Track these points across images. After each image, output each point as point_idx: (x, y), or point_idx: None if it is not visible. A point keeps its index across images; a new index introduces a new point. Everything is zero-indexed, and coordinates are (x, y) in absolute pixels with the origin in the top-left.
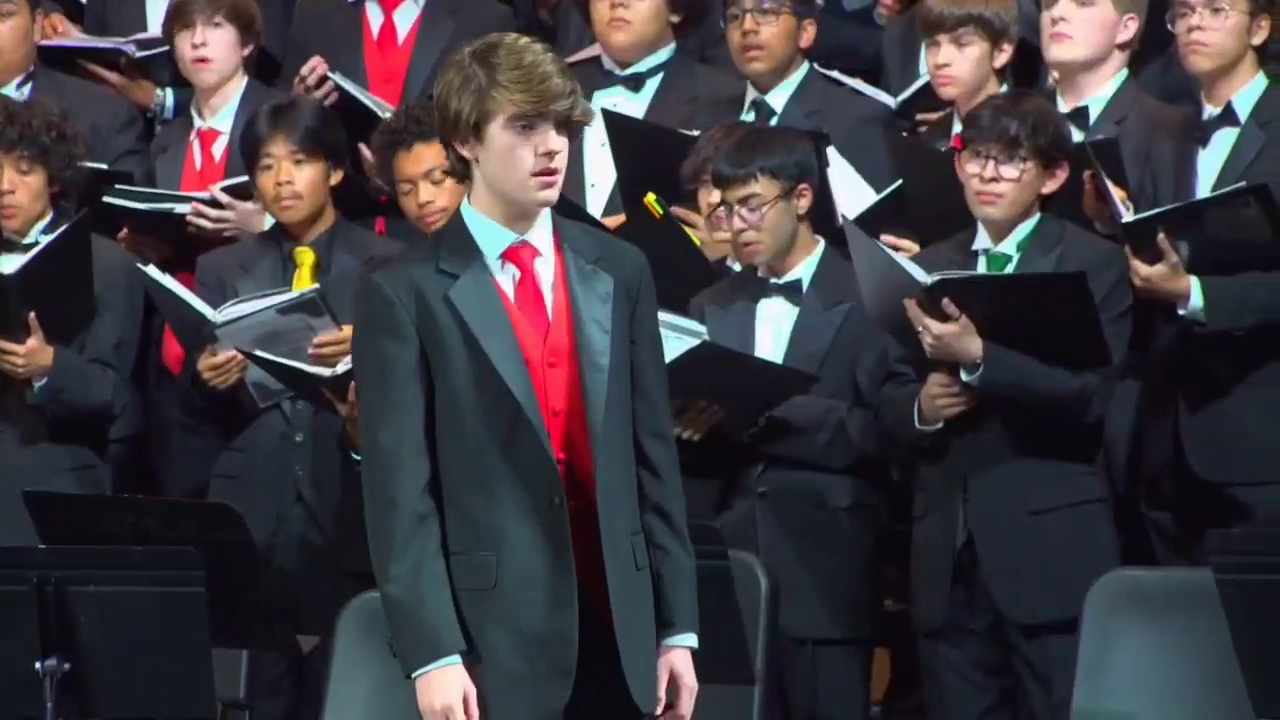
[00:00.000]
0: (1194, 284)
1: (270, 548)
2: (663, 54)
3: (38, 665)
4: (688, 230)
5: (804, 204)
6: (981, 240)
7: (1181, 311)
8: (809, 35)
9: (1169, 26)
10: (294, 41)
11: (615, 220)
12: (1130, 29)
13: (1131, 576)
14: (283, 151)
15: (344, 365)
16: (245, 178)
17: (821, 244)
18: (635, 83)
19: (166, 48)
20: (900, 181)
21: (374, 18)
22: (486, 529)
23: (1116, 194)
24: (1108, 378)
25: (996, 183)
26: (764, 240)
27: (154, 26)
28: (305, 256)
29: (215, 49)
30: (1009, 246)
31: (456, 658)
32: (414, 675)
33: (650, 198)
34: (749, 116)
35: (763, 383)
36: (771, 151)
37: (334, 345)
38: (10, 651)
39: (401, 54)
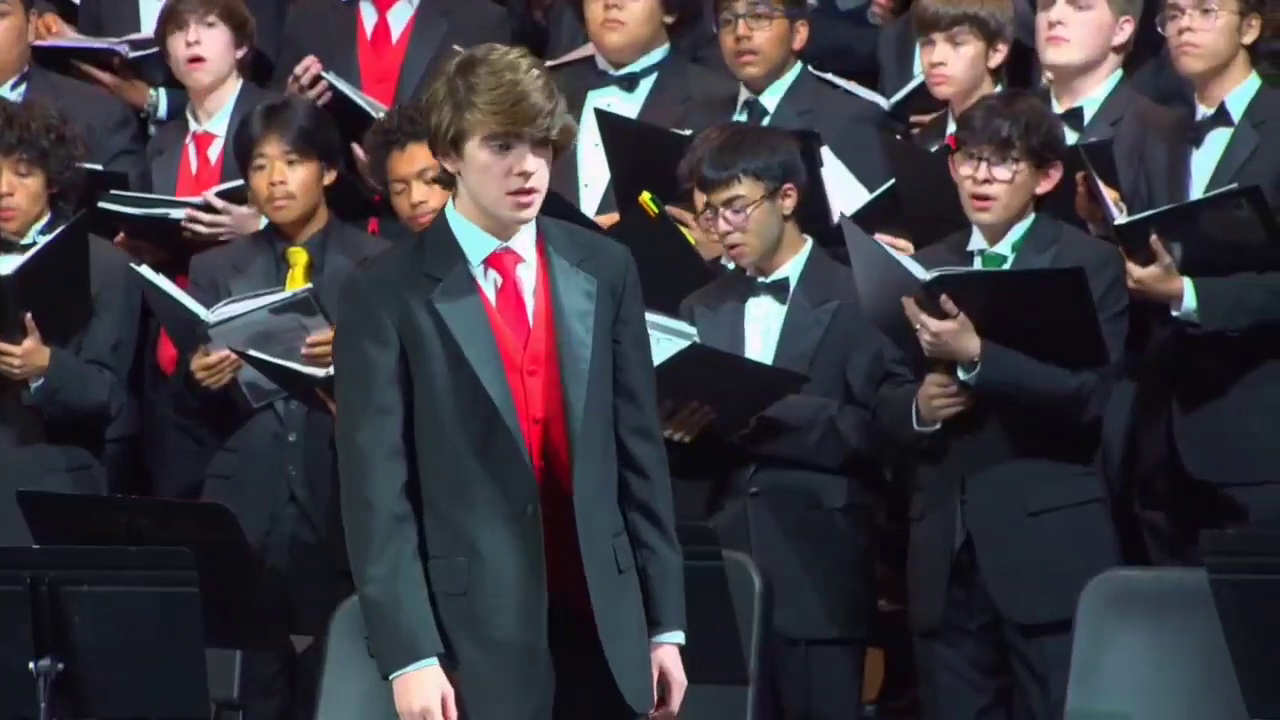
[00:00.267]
0: (1187, 285)
1: (264, 548)
2: (657, 54)
3: (31, 665)
4: (683, 229)
5: (789, 204)
6: (977, 241)
7: (1175, 313)
8: (802, 37)
9: (1159, 29)
10: (288, 41)
11: (609, 219)
12: (1126, 31)
13: (1125, 576)
14: (276, 151)
15: None
16: (240, 182)
17: (809, 243)
18: (629, 83)
19: (159, 48)
20: (893, 181)
21: (368, 17)
22: (461, 534)
23: (1109, 195)
24: (1105, 377)
25: (990, 184)
26: (749, 241)
27: (147, 27)
28: (298, 257)
29: (209, 48)
30: (1004, 247)
31: (434, 659)
32: (391, 677)
33: (645, 196)
34: (742, 117)
35: (753, 384)
36: (754, 153)
37: (327, 345)
38: (4, 652)
39: (395, 54)
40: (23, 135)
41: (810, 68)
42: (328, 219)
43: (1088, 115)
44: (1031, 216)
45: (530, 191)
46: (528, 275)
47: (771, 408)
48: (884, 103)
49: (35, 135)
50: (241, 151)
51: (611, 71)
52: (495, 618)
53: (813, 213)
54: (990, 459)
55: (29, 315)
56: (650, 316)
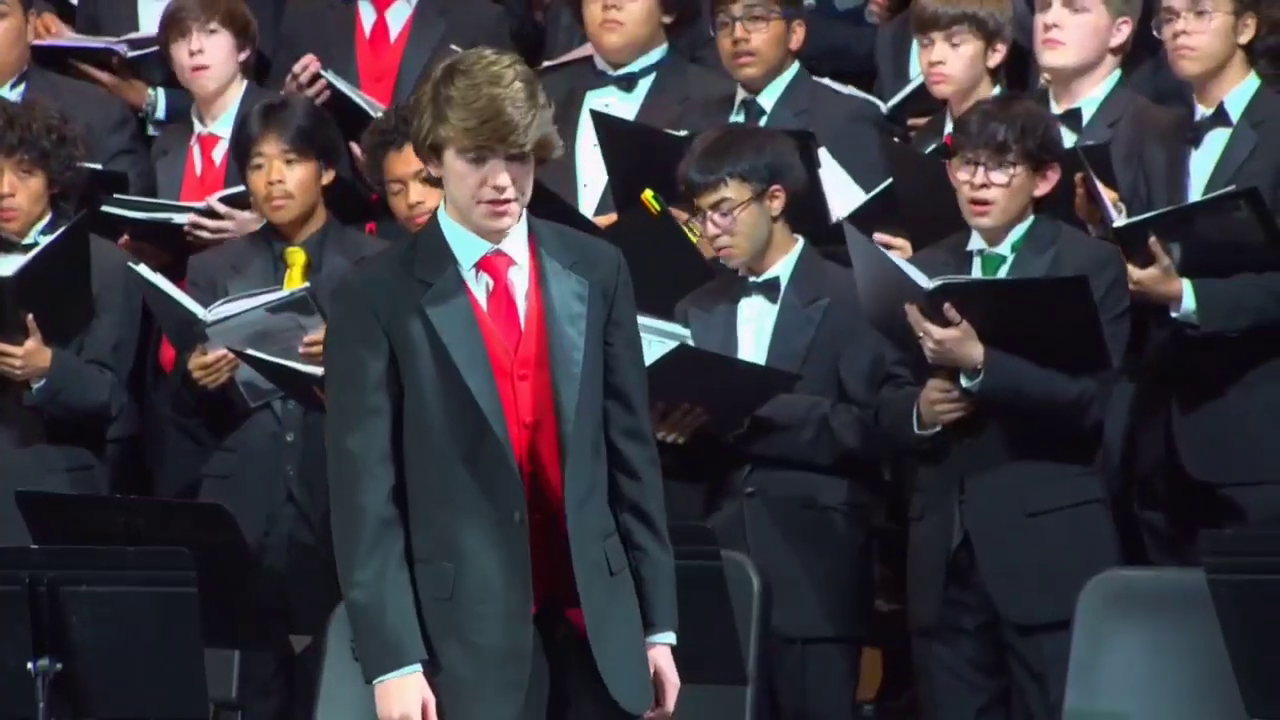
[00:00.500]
0: (1186, 286)
1: (261, 547)
2: (655, 54)
3: (30, 665)
4: (685, 228)
5: (777, 205)
6: (976, 241)
7: (1174, 314)
8: (798, 37)
9: (1155, 33)
10: (285, 40)
11: (607, 220)
12: (1123, 32)
13: (1124, 576)
14: (274, 151)
15: None
16: (243, 188)
17: (800, 242)
18: (628, 83)
19: (158, 48)
20: (890, 180)
21: (366, 16)
22: (447, 539)
23: (1108, 197)
24: (1106, 382)
25: (987, 189)
26: (738, 243)
27: (145, 26)
28: (296, 256)
29: (212, 56)
30: (1004, 248)
31: (417, 666)
32: (374, 682)
33: (648, 194)
34: (739, 117)
35: (744, 384)
36: (740, 156)
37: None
38: (3, 652)
39: (393, 53)
40: (24, 135)
41: (807, 69)
42: (326, 219)
43: (1086, 116)
44: (1030, 218)
45: (505, 203)
46: (519, 278)
47: (764, 407)
48: (880, 105)
49: (37, 135)
50: (240, 151)
51: (610, 72)
52: (479, 623)
53: (810, 213)
54: (989, 459)
55: (30, 316)
56: (641, 320)
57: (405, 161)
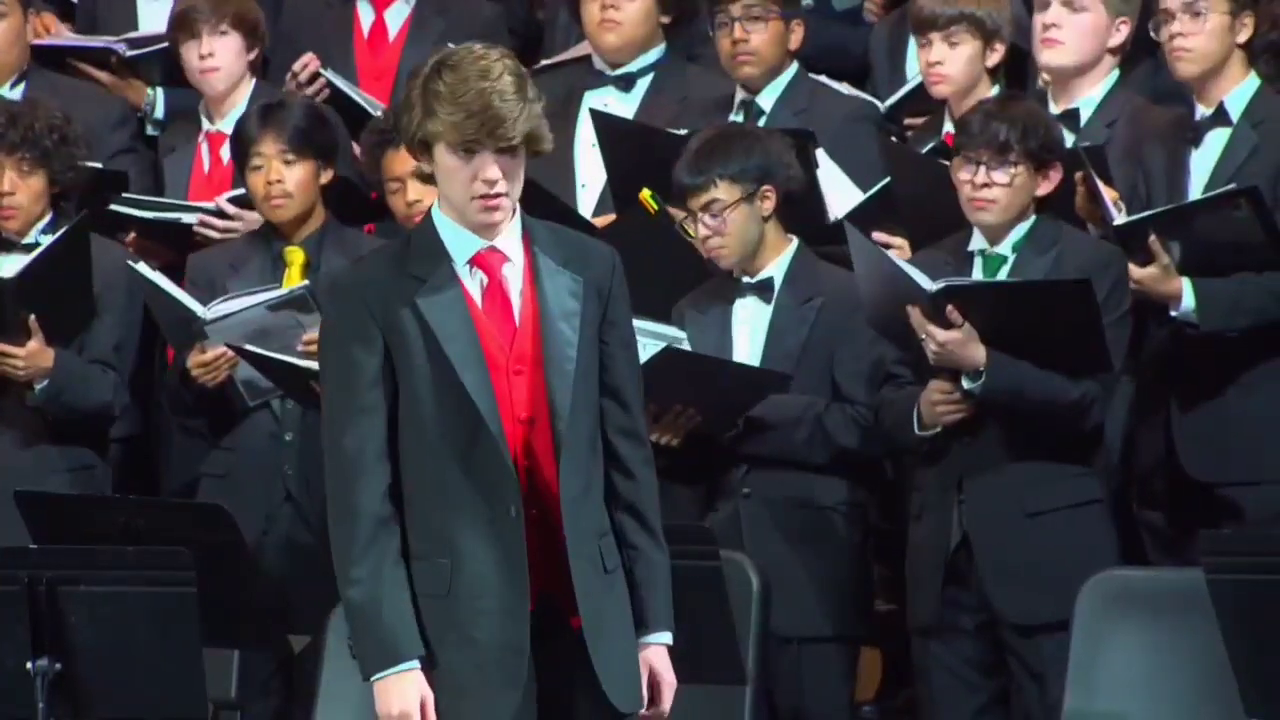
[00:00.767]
0: (1186, 285)
1: (260, 547)
2: (653, 54)
3: (29, 665)
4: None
5: (768, 206)
6: (977, 242)
7: (1174, 313)
8: (797, 37)
9: (1152, 34)
10: (284, 39)
11: (605, 220)
12: (1122, 33)
13: (1123, 576)
14: (272, 151)
15: None
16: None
17: (794, 243)
18: (626, 83)
19: (157, 47)
20: (888, 179)
21: (365, 15)
22: (443, 536)
23: (1108, 196)
24: (1107, 384)
25: (988, 188)
26: (728, 244)
27: (145, 26)
28: (295, 256)
29: (222, 57)
30: (1005, 248)
31: (415, 663)
32: (372, 679)
33: (646, 193)
34: (738, 117)
35: (736, 385)
36: (729, 157)
37: None
38: (2, 652)
39: (392, 51)
40: (26, 134)
41: (805, 68)
42: (325, 218)
43: (1084, 117)
44: (1032, 218)
45: (495, 197)
46: (513, 275)
47: (759, 407)
48: (878, 104)
49: (39, 134)
50: (238, 151)
51: (608, 71)
52: (477, 619)
53: (808, 213)
54: (989, 459)
55: (32, 317)
56: (637, 323)
57: (403, 160)
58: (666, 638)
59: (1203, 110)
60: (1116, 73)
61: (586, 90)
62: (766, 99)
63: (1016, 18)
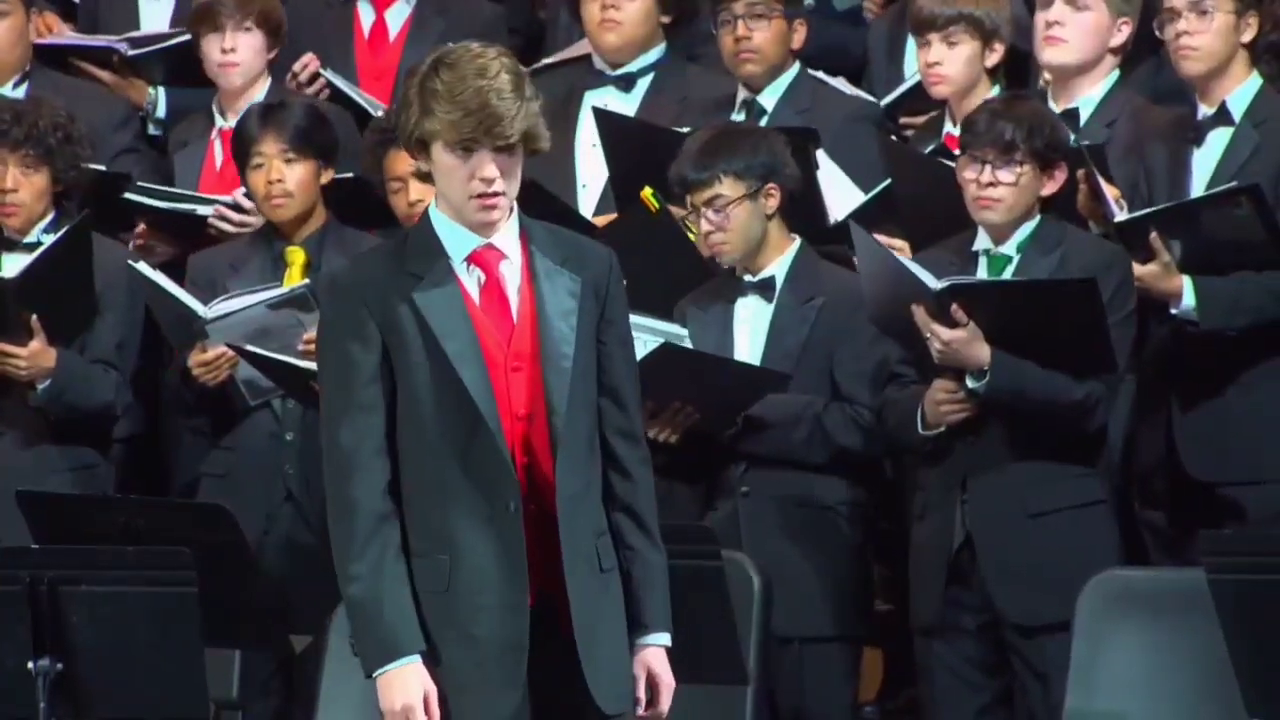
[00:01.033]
0: (1186, 283)
1: (260, 547)
2: (653, 54)
3: (30, 665)
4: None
5: (772, 204)
6: (982, 241)
7: (1174, 311)
8: (800, 36)
9: (1157, 33)
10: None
11: (606, 220)
12: (1124, 33)
13: (1124, 576)
14: (273, 150)
15: None
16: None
17: (797, 242)
18: (626, 83)
19: (159, 46)
20: (889, 181)
21: (365, 16)
22: (442, 532)
23: (1110, 193)
24: (1111, 385)
25: (994, 187)
26: (731, 240)
27: (146, 25)
28: (296, 256)
29: (243, 53)
30: (1009, 248)
31: (416, 657)
32: (374, 675)
33: (647, 191)
34: (740, 116)
35: (735, 383)
36: (735, 153)
37: None
38: (3, 652)
39: (393, 52)
40: (30, 132)
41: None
42: (326, 218)
43: (1084, 116)
44: (1037, 218)
45: (493, 196)
46: (511, 272)
47: (758, 406)
48: (878, 103)
49: (43, 132)
50: (239, 150)
51: (608, 71)
52: (477, 615)
53: (808, 213)
54: (992, 459)
55: (34, 317)
56: (640, 319)
57: (405, 160)
58: (665, 639)
59: (1205, 110)
60: (1117, 73)
61: (587, 90)
62: (769, 98)
63: (1016, 18)
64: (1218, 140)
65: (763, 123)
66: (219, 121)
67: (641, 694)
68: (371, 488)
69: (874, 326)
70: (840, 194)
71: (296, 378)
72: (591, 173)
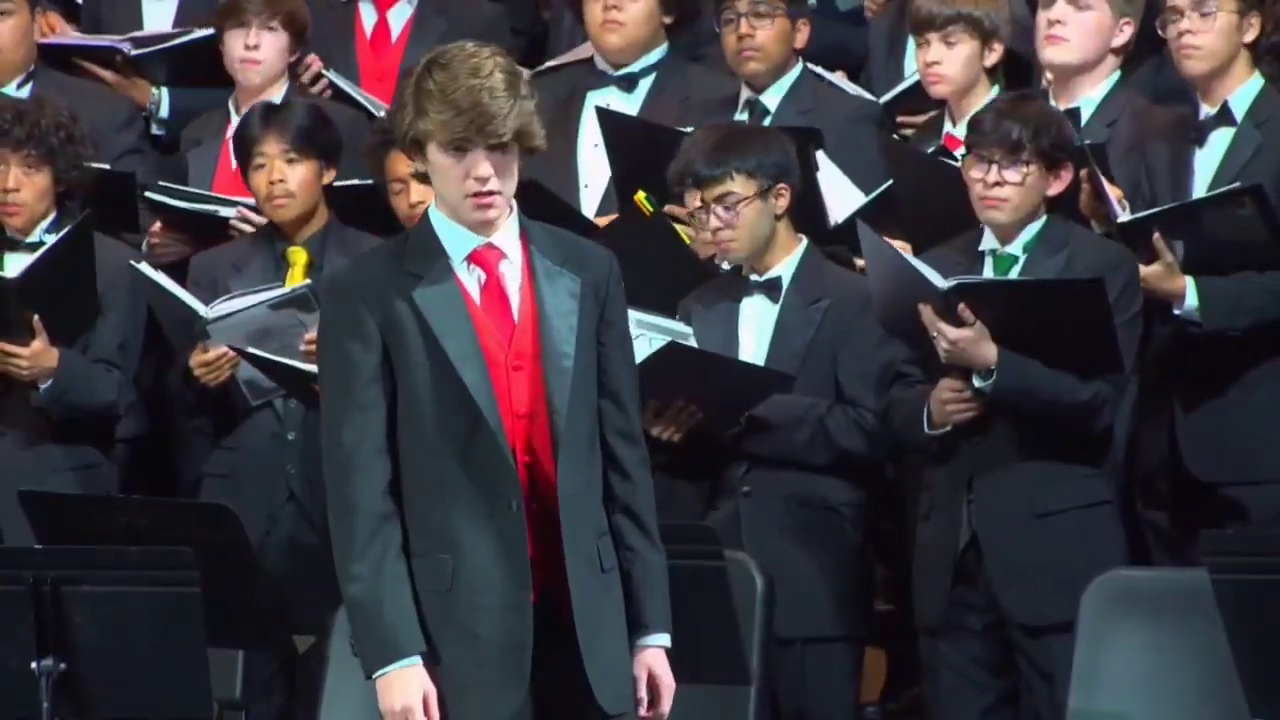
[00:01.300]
0: (1189, 284)
1: (262, 547)
2: (656, 54)
3: (33, 665)
4: (678, 228)
5: (782, 204)
6: (988, 241)
7: (1177, 311)
8: (803, 36)
9: (1160, 32)
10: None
11: (608, 220)
12: (1125, 33)
13: (1127, 576)
14: (275, 150)
15: None
16: None
17: (804, 243)
18: (628, 83)
19: (162, 46)
20: (890, 181)
21: (367, 16)
22: (444, 531)
23: (1113, 193)
24: (1118, 385)
25: (1001, 187)
26: (739, 237)
27: (149, 25)
28: (298, 256)
29: (266, 52)
30: (1015, 248)
31: (416, 658)
32: (374, 676)
33: (640, 195)
34: (743, 116)
35: (739, 383)
36: (747, 151)
37: None
38: (6, 652)
39: (394, 53)
40: (32, 132)
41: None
42: (328, 218)
43: (1085, 116)
44: (1043, 218)
45: (489, 194)
46: (511, 272)
47: (761, 406)
48: (880, 103)
49: (45, 132)
50: (241, 150)
51: (610, 72)
52: (479, 614)
53: (806, 213)
54: (998, 459)
55: (36, 317)
56: (646, 316)
57: (405, 161)
58: (665, 639)
59: (1207, 110)
60: (1118, 73)
61: (589, 90)
62: (771, 98)
63: (1016, 18)
64: (1220, 140)
65: (765, 123)
66: (235, 120)
67: (643, 694)
68: (372, 488)
69: (879, 328)
70: (840, 195)
71: (298, 379)
72: (593, 173)
